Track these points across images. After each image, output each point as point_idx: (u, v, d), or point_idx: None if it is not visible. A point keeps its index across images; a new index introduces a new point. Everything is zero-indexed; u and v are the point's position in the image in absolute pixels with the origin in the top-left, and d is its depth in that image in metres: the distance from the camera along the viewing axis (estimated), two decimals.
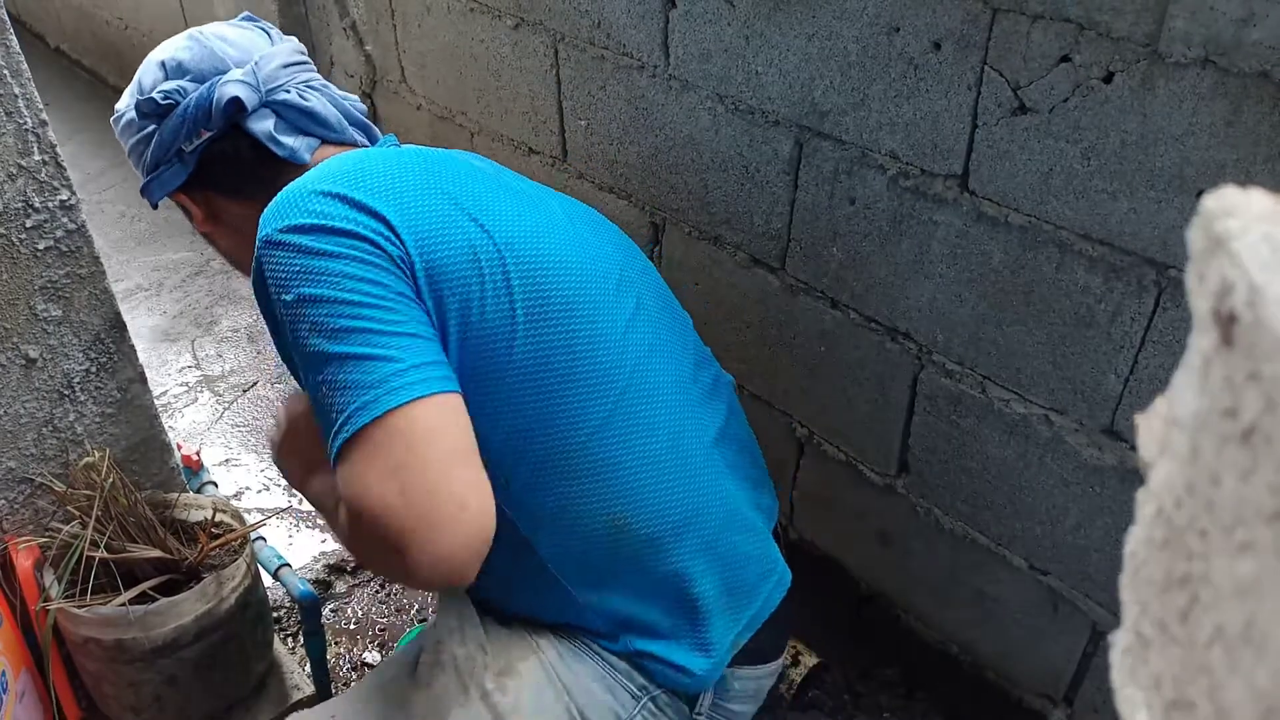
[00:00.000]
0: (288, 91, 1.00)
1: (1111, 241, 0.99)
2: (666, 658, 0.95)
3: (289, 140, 0.99)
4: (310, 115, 1.01)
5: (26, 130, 1.00)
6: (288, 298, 0.81)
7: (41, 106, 1.01)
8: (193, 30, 1.04)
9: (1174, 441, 0.23)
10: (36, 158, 1.02)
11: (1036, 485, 1.17)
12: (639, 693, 0.96)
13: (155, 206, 1.08)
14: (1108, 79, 0.93)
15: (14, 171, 1.01)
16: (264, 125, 0.99)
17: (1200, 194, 0.90)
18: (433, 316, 0.83)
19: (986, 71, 1.02)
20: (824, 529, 1.52)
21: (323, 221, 0.81)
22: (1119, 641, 0.25)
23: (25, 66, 0.99)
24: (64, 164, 1.06)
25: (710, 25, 1.28)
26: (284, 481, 1.62)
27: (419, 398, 0.78)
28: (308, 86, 1.02)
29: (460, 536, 0.77)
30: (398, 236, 0.83)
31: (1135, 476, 1.06)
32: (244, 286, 2.43)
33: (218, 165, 1.01)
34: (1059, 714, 1.27)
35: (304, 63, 1.05)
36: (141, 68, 1.04)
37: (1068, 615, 1.20)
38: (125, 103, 1.04)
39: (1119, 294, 1.00)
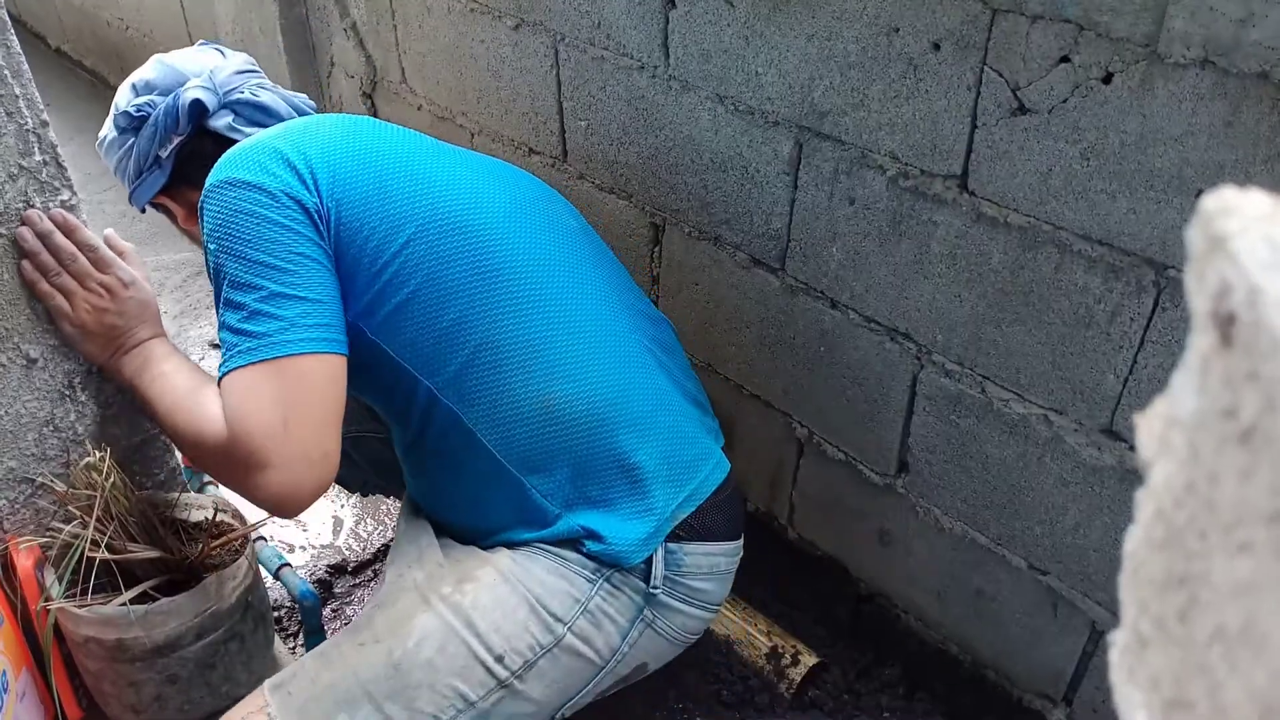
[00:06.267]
0: (241, 92, 1.17)
1: (1111, 242, 0.99)
2: (609, 530, 1.04)
3: (248, 130, 1.15)
4: (263, 109, 1.18)
5: (27, 131, 1.00)
6: (211, 245, 0.97)
7: (43, 107, 1.02)
8: (156, 55, 1.22)
9: (1173, 441, 0.23)
10: (37, 158, 1.02)
11: (1036, 485, 1.17)
12: (593, 575, 1.05)
13: (144, 211, 1.25)
14: (1107, 79, 0.94)
15: (15, 172, 1.01)
16: (224, 121, 1.16)
17: (1199, 194, 0.90)
18: (335, 253, 1.00)
19: (986, 72, 1.02)
20: (824, 529, 1.52)
21: (253, 177, 0.97)
22: (1118, 641, 0.25)
23: (26, 67, 0.99)
24: (65, 164, 1.06)
25: (710, 26, 1.28)
26: None
27: (317, 352, 0.94)
28: (259, 87, 1.20)
29: (313, 476, 0.94)
30: (318, 189, 0.99)
31: (1134, 476, 1.06)
32: None
33: (190, 164, 1.16)
34: (1059, 713, 1.27)
35: (254, 71, 1.23)
36: (117, 93, 1.21)
37: (1067, 615, 1.20)
38: (107, 126, 1.21)
39: (1118, 294, 1.00)
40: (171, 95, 1.14)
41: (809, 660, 1.44)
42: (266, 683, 1.02)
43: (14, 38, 0.97)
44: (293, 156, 1.00)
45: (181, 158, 1.16)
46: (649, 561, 1.06)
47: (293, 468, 0.93)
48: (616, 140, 1.52)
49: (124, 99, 1.18)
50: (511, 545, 1.07)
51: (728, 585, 1.17)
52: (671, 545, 1.07)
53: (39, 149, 1.02)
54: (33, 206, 1.03)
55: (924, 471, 1.30)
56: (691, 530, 1.09)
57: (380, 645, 1.01)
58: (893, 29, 1.09)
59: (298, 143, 1.02)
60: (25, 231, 1.02)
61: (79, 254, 1.05)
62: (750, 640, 1.48)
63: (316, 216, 0.98)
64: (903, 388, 1.28)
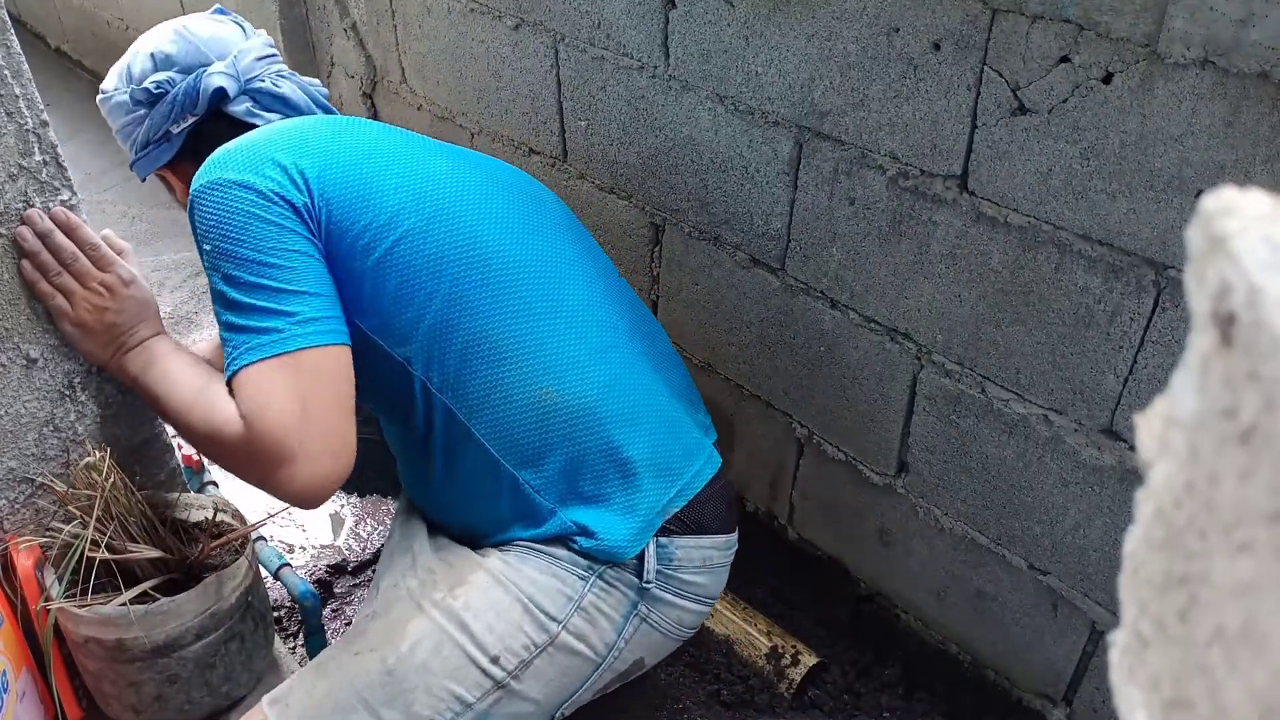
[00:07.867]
0: (263, 81, 1.17)
1: (1111, 242, 0.99)
2: (601, 525, 1.04)
3: (266, 116, 1.16)
4: (282, 100, 1.18)
5: (27, 130, 1.00)
6: (206, 247, 0.97)
7: (42, 107, 1.02)
8: (176, 24, 1.19)
9: (1173, 441, 0.23)
10: (37, 158, 1.02)
11: (1036, 485, 1.17)
12: (585, 573, 1.05)
13: (144, 180, 1.26)
14: (1107, 79, 0.94)
15: (15, 172, 1.01)
16: (243, 107, 1.16)
17: (1199, 194, 0.90)
18: (327, 253, 1.00)
19: (986, 72, 1.02)
20: (824, 529, 1.52)
21: (244, 178, 0.97)
22: (1118, 641, 0.25)
23: (26, 67, 0.99)
24: (65, 164, 1.06)
25: (710, 26, 1.28)
26: None
27: (326, 344, 0.95)
28: (279, 75, 1.20)
29: (337, 467, 0.94)
30: (309, 188, 0.99)
31: (1134, 476, 1.06)
32: None
33: (199, 142, 1.15)
34: (1058, 713, 1.27)
35: (274, 55, 1.22)
36: (130, 55, 1.19)
37: (1067, 615, 1.20)
38: (114, 83, 1.20)
39: (1118, 294, 1.00)
40: (193, 75, 1.13)
41: (809, 660, 1.44)
42: (265, 697, 1.02)
43: (14, 38, 0.97)
44: (281, 158, 0.99)
45: (193, 136, 1.16)
46: (641, 556, 1.06)
47: (317, 460, 0.92)
48: (616, 140, 1.52)
49: (140, 68, 1.16)
50: (504, 546, 1.07)
51: (722, 579, 1.17)
52: (662, 539, 1.07)
53: (39, 149, 1.02)
54: (33, 206, 1.03)
55: (924, 471, 1.30)
56: (682, 524, 1.09)
57: (375, 653, 1.01)
58: (893, 29, 1.09)
59: (285, 144, 1.01)
60: (25, 231, 1.02)
61: (80, 253, 1.05)
62: (750, 640, 1.48)
63: (307, 215, 0.98)
64: (903, 388, 1.28)
